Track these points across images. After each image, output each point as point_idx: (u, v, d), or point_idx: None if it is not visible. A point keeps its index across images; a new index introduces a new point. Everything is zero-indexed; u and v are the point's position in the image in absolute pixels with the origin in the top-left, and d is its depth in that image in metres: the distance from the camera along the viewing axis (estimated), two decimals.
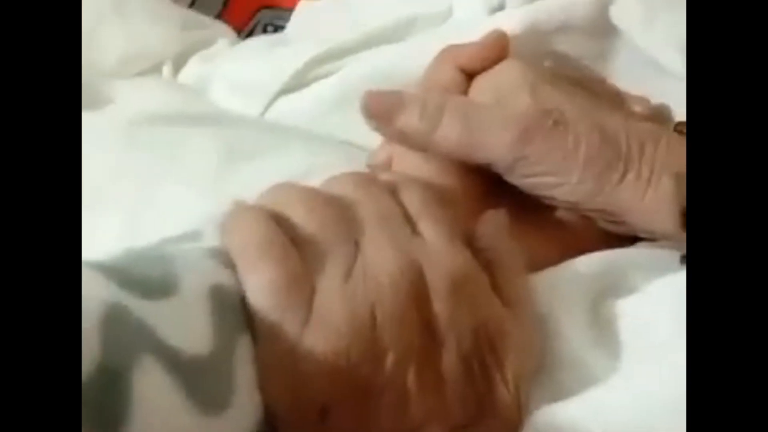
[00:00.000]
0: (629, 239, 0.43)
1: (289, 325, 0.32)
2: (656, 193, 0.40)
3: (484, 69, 0.44)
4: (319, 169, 0.41)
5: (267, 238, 0.34)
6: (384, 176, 0.40)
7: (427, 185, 0.39)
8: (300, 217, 0.35)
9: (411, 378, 0.33)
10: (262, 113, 0.53)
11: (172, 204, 0.45)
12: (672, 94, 0.45)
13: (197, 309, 0.31)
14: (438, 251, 0.36)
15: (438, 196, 0.38)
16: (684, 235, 0.39)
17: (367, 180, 0.38)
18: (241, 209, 0.35)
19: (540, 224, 0.43)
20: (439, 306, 0.34)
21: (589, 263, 0.41)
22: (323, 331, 0.33)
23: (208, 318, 0.31)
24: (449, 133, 0.41)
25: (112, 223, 0.45)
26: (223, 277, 0.33)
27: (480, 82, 0.44)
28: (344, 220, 0.36)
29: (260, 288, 0.33)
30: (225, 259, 0.34)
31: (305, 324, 0.33)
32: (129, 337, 0.29)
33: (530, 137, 0.40)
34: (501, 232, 0.39)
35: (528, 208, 0.42)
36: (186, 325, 0.31)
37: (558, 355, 0.38)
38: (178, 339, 0.30)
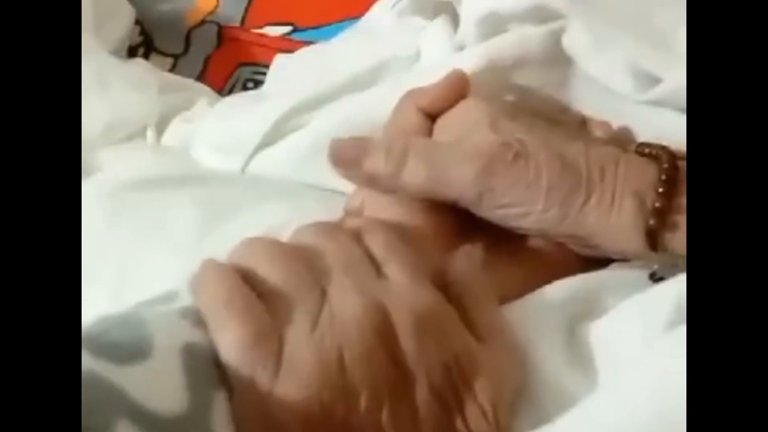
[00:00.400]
0: (603, 261, 0.44)
1: (261, 378, 0.34)
2: (620, 214, 0.40)
3: (445, 109, 0.45)
4: (297, 220, 0.41)
5: (231, 296, 0.35)
6: (350, 222, 0.41)
7: (391, 227, 0.40)
8: (265, 270, 0.36)
9: (386, 416, 0.35)
10: (243, 169, 0.55)
11: (156, 274, 0.46)
12: (629, 117, 0.46)
13: (170, 369, 0.32)
14: (402, 290, 0.37)
15: (402, 236, 0.40)
16: (650, 254, 0.40)
17: (332, 228, 0.40)
18: (208, 268, 0.37)
19: (515, 254, 0.44)
20: (407, 343, 0.36)
21: (563, 288, 0.42)
22: (293, 379, 0.34)
23: (182, 377, 0.32)
24: (415, 174, 0.42)
25: (98, 297, 0.46)
26: (196, 335, 0.34)
27: (443, 122, 0.45)
28: (309, 269, 0.37)
29: (229, 345, 0.34)
30: (197, 317, 0.35)
31: (276, 375, 0.34)
32: (104, 403, 0.30)
33: (492, 170, 0.41)
34: (472, 266, 0.41)
35: (501, 240, 0.43)
36: (160, 386, 0.32)
37: (537, 381, 0.39)
38: (153, 401, 0.31)
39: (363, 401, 0.34)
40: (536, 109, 0.45)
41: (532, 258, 0.44)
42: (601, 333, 0.39)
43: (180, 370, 0.32)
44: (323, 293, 0.36)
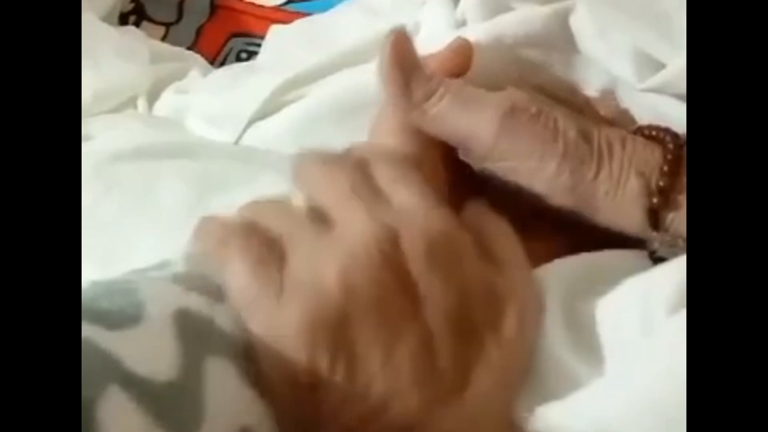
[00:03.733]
0: (600, 243, 0.44)
1: (264, 303, 0.34)
2: (625, 192, 0.40)
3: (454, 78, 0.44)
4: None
5: (229, 233, 0.36)
6: (356, 152, 0.40)
7: (396, 156, 0.40)
8: (268, 207, 0.37)
9: (396, 338, 0.34)
10: (236, 141, 0.54)
11: (146, 249, 0.46)
12: (631, 103, 0.46)
13: (162, 335, 0.32)
14: (414, 214, 0.36)
15: (409, 163, 0.39)
16: (651, 233, 0.41)
17: (336, 158, 0.39)
18: (207, 219, 0.37)
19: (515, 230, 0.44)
20: (418, 267, 0.35)
21: (562, 268, 0.41)
22: (296, 303, 0.34)
23: (174, 343, 0.32)
24: (439, 99, 0.41)
25: (87, 271, 0.45)
26: (189, 301, 0.33)
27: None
28: (306, 212, 0.37)
29: (233, 274, 0.35)
30: (190, 282, 0.34)
31: (278, 299, 0.34)
32: (94, 369, 0.29)
33: (516, 116, 0.41)
34: (484, 209, 0.41)
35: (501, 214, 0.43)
36: (151, 352, 0.31)
37: (539, 357, 0.38)
38: (144, 367, 0.30)
39: (371, 322, 0.34)
40: (543, 87, 0.45)
41: (531, 237, 0.43)
42: (600, 313, 0.39)
43: (172, 335, 0.32)
44: (327, 220, 0.36)
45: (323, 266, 0.35)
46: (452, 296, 0.35)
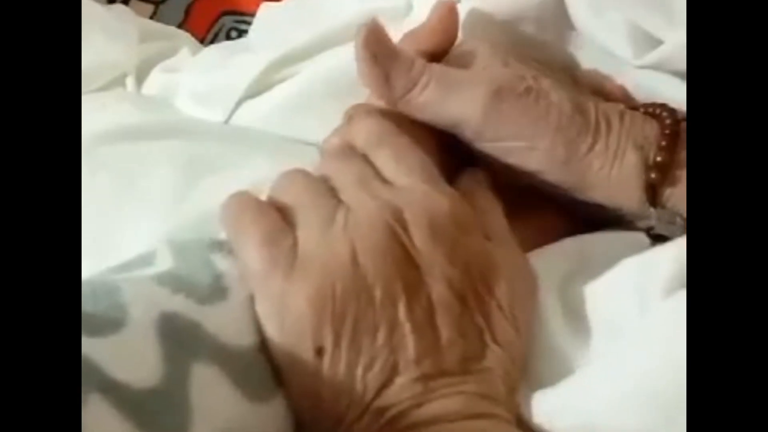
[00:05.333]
0: (597, 225, 0.43)
1: (276, 274, 0.35)
2: (621, 167, 0.40)
3: (445, 46, 0.44)
4: None
5: (245, 206, 0.37)
6: (358, 141, 0.40)
7: (395, 140, 0.40)
8: (283, 188, 0.38)
9: (402, 311, 0.35)
10: (226, 121, 0.53)
11: (135, 232, 0.45)
12: (627, 80, 0.45)
13: (144, 341, 0.32)
14: (416, 193, 0.37)
15: (409, 145, 0.40)
16: (648, 210, 0.40)
17: (342, 150, 0.40)
18: (233, 196, 0.38)
19: (509, 213, 0.43)
20: (421, 241, 0.36)
21: (557, 249, 0.41)
22: (307, 274, 0.35)
23: (157, 349, 0.32)
24: (425, 90, 0.41)
25: None
26: (174, 303, 0.33)
27: (449, 61, 0.44)
28: (324, 184, 0.38)
29: (245, 248, 0.36)
30: (177, 284, 0.34)
31: (290, 270, 0.35)
32: None
33: (503, 96, 0.40)
34: (477, 182, 0.41)
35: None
36: (133, 358, 0.31)
37: (535, 340, 0.38)
38: (125, 373, 0.30)
39: (378, 295, 0.35)
40: (538, 62, 0.44)
41: (526, 218, 0.43)
42: (595, 295, 0.39)
43: (155, 341, 0.32)
44: (338, 202, 0.37)
45: (333, 241, 0.35)
46: (455, 269, 0.36)
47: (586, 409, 0.35)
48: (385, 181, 0.38)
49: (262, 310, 0.35)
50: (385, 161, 0.39)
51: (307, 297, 0.34)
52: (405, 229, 0.36)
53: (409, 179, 0.38)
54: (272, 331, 0.35)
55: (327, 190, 0.38)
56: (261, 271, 0.35)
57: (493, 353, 0.36)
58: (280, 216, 0.37)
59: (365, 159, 0.39)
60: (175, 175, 0.47)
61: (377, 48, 0.42)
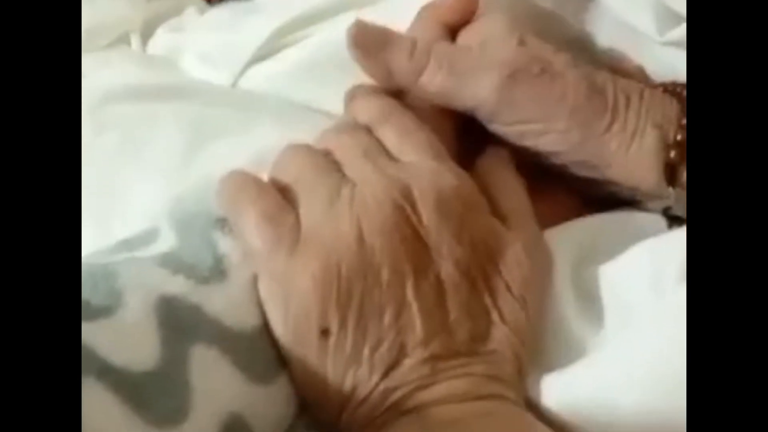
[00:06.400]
0: (609, 206, 0.42)
1: (279, 253, 0.34)
2: (641, 145, 0.40)
3: (465, 21, 0.43)
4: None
5: (244, 185, 0.36)
6: (362, 118, 0.40)
7: (400, 117, 0.39)
8: (284, 165, 0.37)
9: (410, 290, 0.34)
10: (233, 83, 0.52)
11: (139, 195, 0.44)
12: (648, 56, 0.44)
13: (141, 324, 0.31)
14: (424, 170, 0.36)
15: (415, 122, 0.39)
16: (666, 190, 0.40)
17: (347, 124, 0.39)
18: (227, 176, 0.37)
19: None
20: (429, 219, 0.35)
21: (572, 230, 0.41)
22: (311, 252, 0.34)
23: (155, 331, 0.31)
24: (434, 76, 0.40)
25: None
26: (174, 285, 0.32)
27: (465, 35, 0.43)
28: (326, 159, 0.37)
29: (246, 227, 0.35)
30: (178, 264, 0.33)
31: (294, 248, 0.34)
32: None
33: (517, 79, 0.39)
34: (499, 158, 0.40)
35: None
36: (128, 342, 0.30)
37: (546, 317, 0.38)
38: (121, 356, 0.30)
39: (385, 274, 0.34)
40: (556, 39, 0.43)
41: (539, 198, 0.42)
42: (610, 277, 0.38)
43: (153, 324, 0.31)
44: (343, 176, 0.36)
45: (338, 218, 0.35)
46: (463, 247, 0.35)
47: (597, 392, 0.35)
48: (390, 156, 0.38)
49: (265, 289, 0.34)
50: (390, 137, 0.38)
51: (312, 277, 0.33)
52: (413, 206, 0.35)
53: (415, 156, 0.37)
54: (275, 312, 0.34)
55: (330, 164, 0.37)
56: (263, 251, 0.34)
57: (502, 334, 0.36)
58: (280, 195, 0.36)
59: (370, 133, 0.39)
60: (181, 139, 0.46)
61: (366, 41, 0.41)
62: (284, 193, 0.36)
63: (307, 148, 0.38)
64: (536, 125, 0.40)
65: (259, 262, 0.35)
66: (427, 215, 0.35)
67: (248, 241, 0.35)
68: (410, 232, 0.35)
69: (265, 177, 0.38)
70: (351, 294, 0.34)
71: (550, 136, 0.40)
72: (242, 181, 0.36)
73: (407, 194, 0.35)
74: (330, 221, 0.35)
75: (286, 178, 0.37)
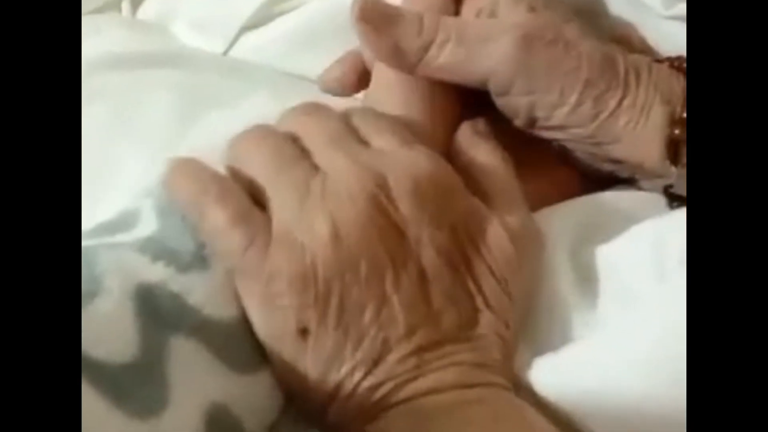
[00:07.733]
0: (608, 185, 0.42)
1: (251, 256, 0.33)
2: (647, 122, 0.39)
3: None
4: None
5: (205, 186, 0.34)
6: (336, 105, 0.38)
7: (365, 108, 0.38)
8: (247, 156, 0.35)
9: (389, 284, 0.33)
10: (226, 51, 0.51)
11: (131, 167, 0.43)
12: (653, 31, 0.43)
13: (119, 314, 0.30)
14: (398, 156, 0.35)
15: (396, 118, 0.38)
16: (669, 168, 0.39)
17: (315, 106, 0.38)
18: (177, 166, 0.35)
19: (522, 169, 0.41)
20: (406, 206, 0.34)
21: (570, 209, 0.40)
22: (284, 253, 0.33)
23: (133, 322, 0.30)
24: (443, 50, 0.39)
25: None
26: (153, 273, 0.32)
27: (472, 3, 0.41)
28: (293, 146, 0.35)
29: (212, 231, 0.33)
30: (158, 250, 0.32)
31: (265, 251, 0.33)
32: None
33: (531, 46, 0.38)
34: (477, 133, 0.39)
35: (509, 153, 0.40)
36: (107, 333, 0.30)
37: (542, 298, 0.37)
38: (99, 349, 0.29)
39: (363, 270, 0.33)
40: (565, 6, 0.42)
41: (538, 175, 0.41)
42: (610, 259, 0.38)
43: (131, 313, 0.30)
44: (312, 166, 0.35)
45: (310, 215, 0.33)
46: (443, 233, 0.35)
47: (595, 375, 0.35)
48: (361, 140, 0.36)
49: (242, 287, 0.33)
50: (359, 119, 0.37)
51: (288, 279, 0.32)
52: (388, 196, 0.34)
53: (384, 142, 0.36)
54: (253, 311, 0.33)
55: (297, 153, 0.35)
56: (236, 251, 0.33)
57: (486, 319, 0.35)
58: (246, 191, 0.34)
59: (338, 114, 0.37)
60: (173, 109, 0.45)
61: (374, 17, 0.39)
62: (248, 188, 0.34)
63: (269, 134, 0.36)
64: (549, 97, 0.39)
65: (233, 262, 0.33)
66: (403, 204, 0.34)
67: (217, 243, 0.33)
68: (386, 223, 0.34)
69: (219, 167, 0.35)
70: (329, 293, 0.33)
71: (562, 109, 0.39)
72: (199, 177, 0.34)
73: (382, 183, 0.34)
74: (302, 219, 0.33)
75: (248, 170, 0.35)
